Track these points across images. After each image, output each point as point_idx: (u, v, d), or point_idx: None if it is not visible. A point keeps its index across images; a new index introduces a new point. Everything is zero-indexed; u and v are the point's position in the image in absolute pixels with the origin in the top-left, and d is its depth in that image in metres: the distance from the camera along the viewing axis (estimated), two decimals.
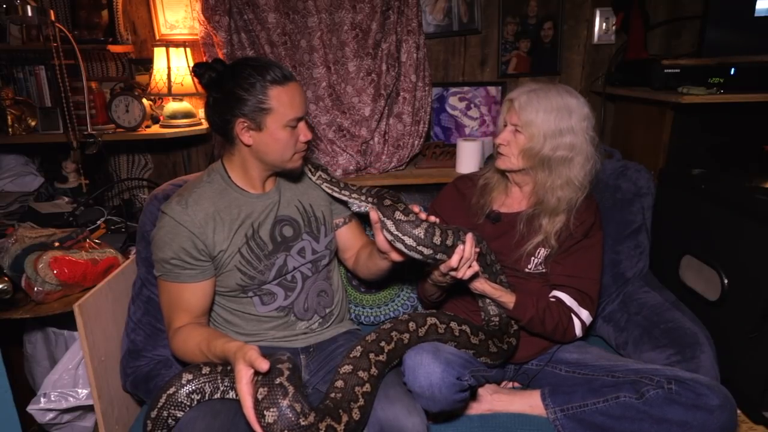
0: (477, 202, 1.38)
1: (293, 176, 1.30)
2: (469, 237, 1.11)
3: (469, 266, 1.12)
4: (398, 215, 1.09)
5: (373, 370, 1.04)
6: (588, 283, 1.28)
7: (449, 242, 1.09)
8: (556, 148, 1.22)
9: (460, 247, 1.09)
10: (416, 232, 1.07)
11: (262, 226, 1.23)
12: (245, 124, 1.13)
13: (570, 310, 1.27)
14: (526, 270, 1.32)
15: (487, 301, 1.29)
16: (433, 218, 1.11)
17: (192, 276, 1.16)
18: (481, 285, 1.22)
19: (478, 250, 1.16)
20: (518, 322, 1.27)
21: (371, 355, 1.05)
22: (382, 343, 1.07)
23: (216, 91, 1.16)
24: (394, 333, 1.10)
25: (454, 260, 1.09)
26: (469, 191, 1.41)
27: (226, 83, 1.13)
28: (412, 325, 1.11)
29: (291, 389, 0.89)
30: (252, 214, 1.22)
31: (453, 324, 1.14)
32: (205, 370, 1.06)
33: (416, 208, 1.11)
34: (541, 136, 1.22)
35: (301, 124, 1.18)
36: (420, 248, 1.08)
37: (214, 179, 1.23)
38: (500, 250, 1.34)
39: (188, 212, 1.15)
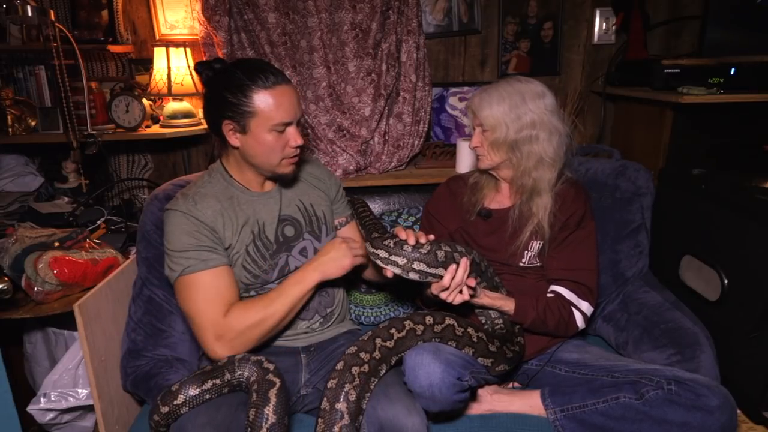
0: (468, 200, 1.40)
1: (287, 181, 1.28)
2: (464, 262, 1.10)
3: (460, 292, 1.12)
4: (374, 235, 1.14)
5: (376, 354, 1.05)
6: (585, 274, 1.29)
7: (424, 250, 1.08)
8: (520, 130, 1.25)
9: (452, 266, 1.09)
10: (386, 243, 1.09)
11: (267, 226, 1.24)
12: (231, 126, 1.13)
13: (570, 303, 1.28)
14: (521, 264, 1.33)
15: None
16: (422, 239, 1.10)
17: (218, 259, 1.14)
18: (480, 300, 1.22)
19: (473, 282, 1.14)
20: (521, 325, 1.28)
21: (378, 340, 1.06)
22: (393, 330, 1.08)
23: (208, 91, 1.17)
24: (408, 322, 1.10)
25: (446, 280, 1.09)
26: (461, 190, 1.43)
27: (217, 84, 1.14)
28: (429, 319, 1.11)
29: None
30: (256, 213, 1.23)
31: (470, 330, 1.13)
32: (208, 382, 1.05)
33: (402, 234, 1.11)
34: (502, 125, 1.25)
35: (291, 129, 1.14)
36: (393, 258, 1.09)
37: (215, 179, 1.23)
38: (494, 246, 1.35)
39: (198, 207, 1.15)
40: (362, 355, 1.03)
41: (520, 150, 1.27)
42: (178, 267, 1.12)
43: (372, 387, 1.05)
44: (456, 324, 1.12)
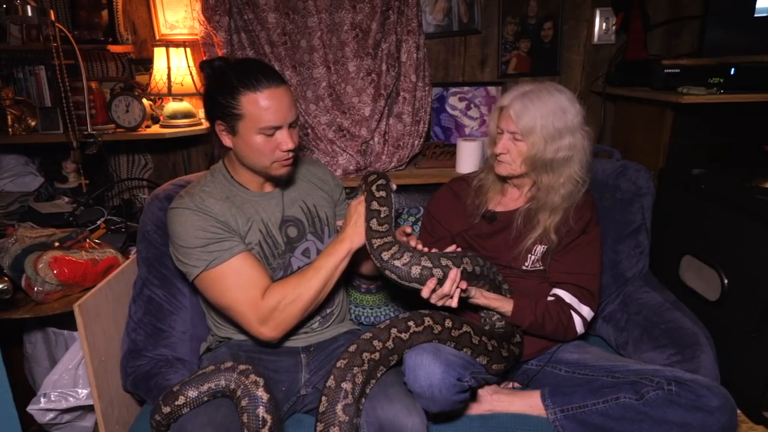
0: (472, 202, 1.38)
1: (285, 182, 1.28)
2: (452, 274, 1.08)
3: (451, 297, 1.11)
4: (373, 223, 1.12)
5: (389, 344, 1.06)
6: (587, 279, 1.29)
7: (399, 262, 1.08)
8: (558, 150, 1.22)
9: (431, 281, 1.08)
10: (373, 242, 1.10)
11: (273, 226, 1.24)
12: (222, 127, 1.14)
13: (570, 307, 1.27)
14: (523, 267, 1.32)
15: None
16: (412, 242, 1.11)
17: (239, 245, 1.14)
18: (476, 300, 1.22)
19: (465, 285, 1.12)
20: (518, 327, 1.27)
21: (393, 330, 1.07)
22: (410, 323, 1.08)
23: (205, 91, 1.18)
24: (428, 319, 1.10)
25: (424, 293, 1.09)
26: (464, 192, 1.41)
27: (211, 85, 1.15)
28: (448, 322, 1.11)
29: None
30: (258, 213, 1.23)
31: (484, 338, 1.14)
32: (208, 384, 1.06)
33: (407, 232, 1.13)
34: (542, 142, 1.21)
35: (282, 133, 1.12)
36: (373, 257, 1.10)
37: (217, 179, 1.24)
38: (497, 248, 1.34)
39: (205, 203, 1.16)
40: (375, 342, 1.04)
41: (553, 170, 1.23)
42: (200, 263, 1.12)
43: (379, 375, 1.07)
44: (472, 332, 1.13)
